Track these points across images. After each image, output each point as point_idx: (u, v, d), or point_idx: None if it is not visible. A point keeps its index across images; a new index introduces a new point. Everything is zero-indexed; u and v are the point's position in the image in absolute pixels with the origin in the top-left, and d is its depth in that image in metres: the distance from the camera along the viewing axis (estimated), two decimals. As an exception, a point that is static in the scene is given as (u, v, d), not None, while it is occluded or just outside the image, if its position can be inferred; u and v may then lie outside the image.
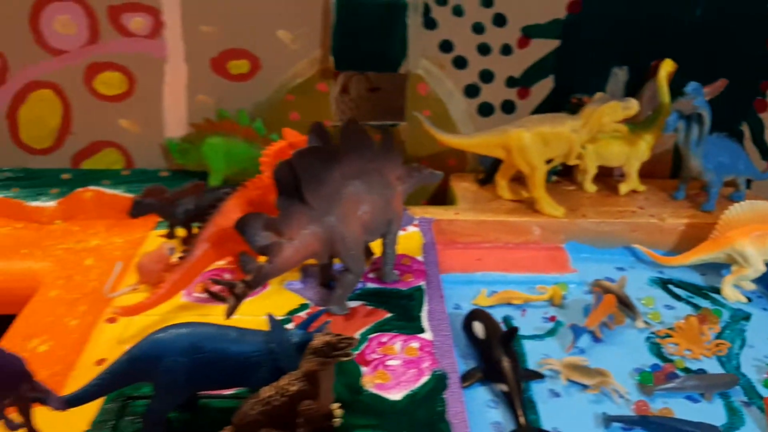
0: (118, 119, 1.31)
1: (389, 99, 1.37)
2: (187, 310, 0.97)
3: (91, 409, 0.77)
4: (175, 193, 1.09)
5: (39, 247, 1.16)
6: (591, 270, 1.17)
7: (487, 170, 1.33)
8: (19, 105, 1.29)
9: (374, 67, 1.25)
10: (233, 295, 0.82)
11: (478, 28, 1.26)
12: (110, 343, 0.89)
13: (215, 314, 0.95)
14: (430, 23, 1.24)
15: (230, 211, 0.96)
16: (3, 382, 0.63)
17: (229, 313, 0.82)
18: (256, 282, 0.84)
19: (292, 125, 1.22)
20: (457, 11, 1.24)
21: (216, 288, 0.84)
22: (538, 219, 1.22)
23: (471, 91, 1.31)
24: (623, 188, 1.31)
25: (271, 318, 0.77)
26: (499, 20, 1.25)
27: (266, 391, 0.70)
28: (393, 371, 0.86)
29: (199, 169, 1.29)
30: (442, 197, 1.33)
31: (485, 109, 1.33)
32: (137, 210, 1.07)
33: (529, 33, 1.27)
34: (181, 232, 1.11)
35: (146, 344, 0.73)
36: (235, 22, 1.24)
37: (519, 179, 1.27)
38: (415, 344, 0.90)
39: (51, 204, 1.24)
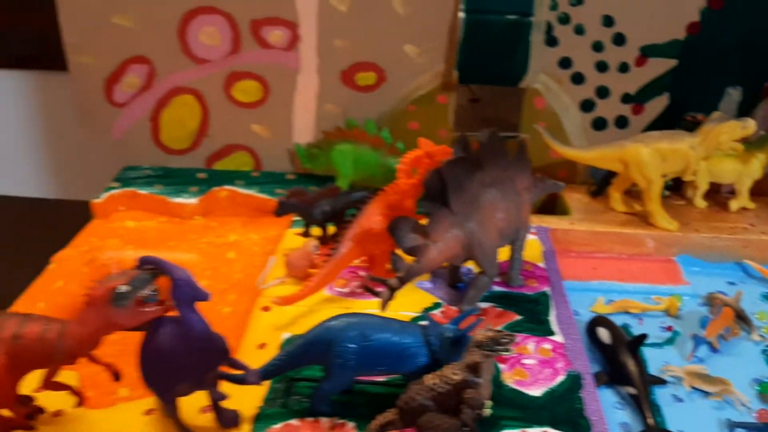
0: (251, 124, 1.41)
1: (491, 110, 1.43)
2: (331, 302, 1.05)
3: (261, 389, 0.85)
4: (313, 196, 1.17)
5: (184, 240, 1.26)
6: (703, 283, 1.21)
7: (598, 183, 1.37)
8: (162, 108, 1.40)
9: (497, 81, 1.31)
10: (388, 288, 0.90)
11: (597, 47, 1.31)
12: (267, 329, 0.97)
13: (355, 307, 1.03)
14: (551, 41, 1.30)
15: (372, 214, 1.04)
16: (212, 358, 0.72)
17: (384, 305, 0.90)
18: (405, 279, 0.92)
19: (411, 134, 1.30)
20: (579, 30, 1.29)
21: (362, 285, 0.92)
22: (652, 232, 1.26)
23: (586, 105, 1.36)
24: (734, 205, 1.34)
25: (427, 315, 0.84)
26: (619, 39, 1.30)
27: (430, 379, 0.77)
28: (530, 369, 0.91)
29: (325, 173, 1.38)
30: (550, 207, 1.38)
31: (599, 124, 1.38)
32: (282, 210, 1.17)
33: (648, 52, 1.31)
34: (315, 231, 1.20)
35: (321, 331, 0.81)
36: (366, 37, 1.32)
37: (630, 192, 1.32)
38: (547, 345, 0.96)
39: (192, 201, 1.34)
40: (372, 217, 1.04)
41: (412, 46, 1.32)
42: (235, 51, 1.34)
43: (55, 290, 1.11)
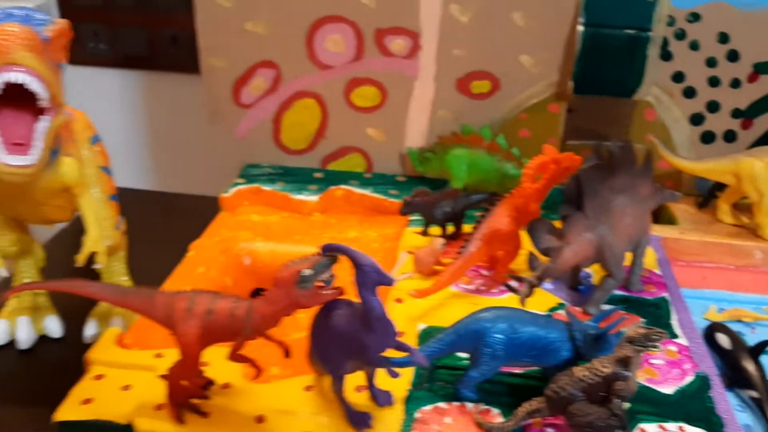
0: (366, 128, 1.48)
1: (587, 120, 1.46)
2: (458, 297, 1.11)
3: (407, 375, 0.92)
4: (435, 197, 1.24)
5: (307, 234, 1.34)
6: (811, 296, 1.24)
7: (704, 195, 1.40)
8: (285, 111, 1.48)
9: (611, 93, 1.36)
10: (527, 285, 0.95)
11: (711, 62, 1.34)
12: (402, 319, 1.03)
13: (481, 303, 1.08)
14: (666, 55, 1.34)
15: (500, 215, 1.10)
16: (386, 340, 0.78)
17: (522, 301, 0.95)
18: (541, 278, 0.97)
19: (521, 141, 1.35)
20: (694, 46, 1.33)
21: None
22: (760, 244, 1.29)
23: (696, 119, 1.40)
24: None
25: (569, 312, 0.89)
26: (733, 56, 1.33)
27: (580, 371, 0.82)
28: (659, 369, 0.96)
29: (437, 176, 1.44)
30: (655, 216, 1.41)
31: (707, 137, 1.41)
32: (407, 208, 1.24)
33: (761, 69, 1.34)
34: (434, 230, 1.26)
35: (472, 321, 0.87)
36: (484, 46, 1.38)
37: (736, 205, 1.35)
38: (672, 347, 1.00)
39: (312, 198, 1.42)
40: (500, 219, 1.09)
41: (528, 57, 1.38)
42: (358, 58, 1.41)
43: (198, 275, 1.20)
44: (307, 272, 0.76)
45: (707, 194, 1.39)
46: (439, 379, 0.92)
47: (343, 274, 0.79)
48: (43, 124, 0.79)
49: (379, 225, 1.38)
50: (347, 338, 0.78)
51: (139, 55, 1.99)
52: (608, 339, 0.87)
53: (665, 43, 1.33)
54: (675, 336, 1.03)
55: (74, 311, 1.23)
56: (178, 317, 0.79)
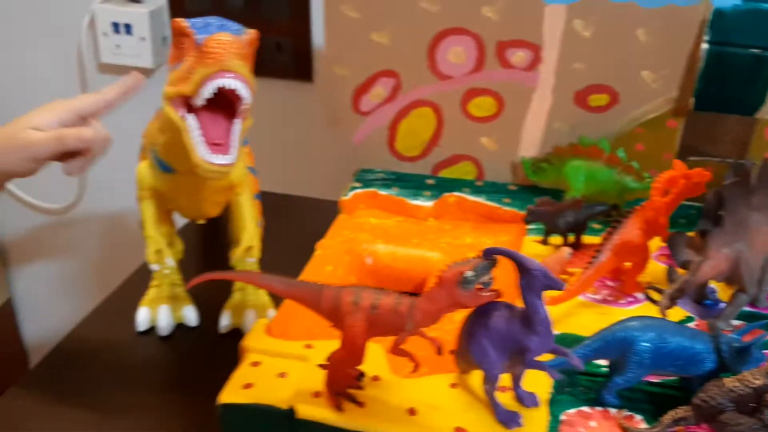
0: (480, 137, 1.52)
1: (704, 137, 1.46)
2: (586, 306, 1.13)
3: (547, 379, 0.94)
4: (559, 206, 1.26)
5: (425, 239, 1.38)
6: None
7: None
8: (402, 119, 1.53)
9: (733, 111, 1.36)
10: (668, 297, 0.98)
11: (838, 81, 1.34)
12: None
13: (609, 313, 1.12)
14: (791, 74, 1.34)
15: (631, 227, 1.12)
16: (546, 343, 0.82)
17: (662, 312, 0.97)
18: (681, 290, 0.99)
19: (636, 155, 1.37)
20: (821, 64, 1.33)
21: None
22: None
23: (817, 138, 1.39)
24: None
25: (713, 323, 0.91)
26: None
27: (730, 382, 0.83)
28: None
29: (551, 186, 1.47)
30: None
31: (828, 157, 1.40)
32: (531, 217, 1.27)
33: None
34: (555, 239, 1.29)
35: (621, 329, 0.90)
36: (605, 61, 1.40)
37: None
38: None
39: (427, 204, 1.47)
40: (631, 230, 1.12)
41: (649, 72, 1.39)
42: (478, 69, 1.45)
43: (327, 273, 1.25)
44: (470, 274, 0.80)
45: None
46: (579, 384, 0.95)
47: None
48: (237, 127, 0.85)
49: (493, 232, 1.41)
50: (507, 340, 0.82)
51: (245, 61, 2.06)
52: (753, 353, 0.88)
53: (791, 61, 1.33)
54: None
55: (207, 303, 1.30)
56: (345, 310, 0.84)
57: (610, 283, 1.19)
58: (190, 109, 0.85)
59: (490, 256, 0.82)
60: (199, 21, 0.87)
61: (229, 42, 0.79)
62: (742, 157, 1.42)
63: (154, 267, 1.06)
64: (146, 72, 2.15)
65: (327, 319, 0.88)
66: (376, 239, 1.37)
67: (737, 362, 0.88)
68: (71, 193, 2.43)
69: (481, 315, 0.84)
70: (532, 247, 1.29)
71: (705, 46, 1.32)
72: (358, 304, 0.84)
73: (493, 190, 1.51)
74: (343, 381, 0.89)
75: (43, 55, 2.22)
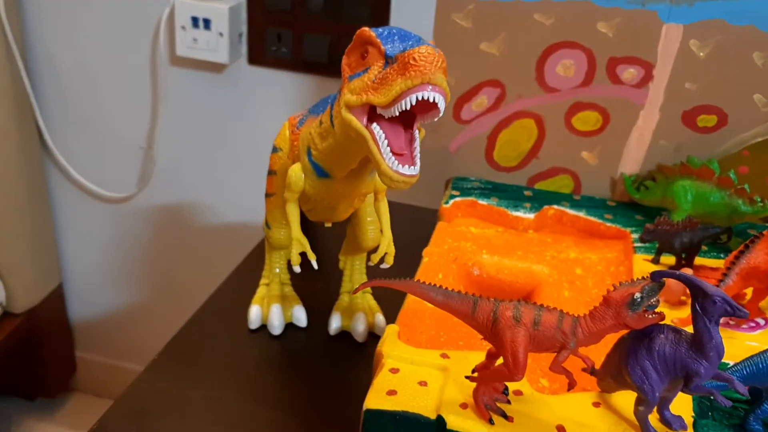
0: (581, 151, 1.52)
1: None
2: (709, 330, 1.13)
3: (689, 403, 0.94)
4: (677, 226, 1.26)
5: (529, 251, 1.38)
6: None
7: None
8: (503, 129, 1.53)
9: None
10: None
11: None
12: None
13: (734, 337, 1.11)
14: None
15: (758, 252, 1.12)
16: (712, 368, 0.82)
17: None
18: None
19: (740, 178, 1.36)
20: None
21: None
22: None
23: None
24: None
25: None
26: None
27: None
28: None
29: (654, 205, 1.46)
30: None
31: None
32: (649, 236, 1.26)
33: None
34: (667, 259, 1.29)
35: (771, 356, 0.90)
36: (718, 82, 1.39)
37: None
38: None
39: (529, 216, 1.46)
40: (759, 256, 1.11)
41: (761, 96, 1.39)
42: (586, 84, 1.45)
43: (438, 281, 1.25)
44: (638, 296, 0.80)
45: None
46: (721, 409, 0.95)
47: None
48: (417, 136, 0.85)
49: (597, 248, 1.41)
50: (673, 364, 0.82)
51: (320, 62, 2.08)
52: None
53: None
54: None
55: (314, 304, 1.31)
56: (506, 324, 0.84)
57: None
58: (371, 118, 0.86)
59: (659, 278, 0.82)
60: (382, 31, 0.87)
61: (433, 55, 0.79)
62: None
63: (296, 269, 1.06)
64: (220, 67, 2.17)
65: (480, 332, 0.88)
66: (480, 249, 1.37)
67: None
68: (132, 184, 2.46)
69: (643, 337, 0.84)
70: (644, 266, 1.29)
71: (825, 72, 1.32)
72: (519, 319, 0.84)
73: (593, 205, 1.51)
74: (492, 394, 0.90)
75: (118, 42, 2.24)
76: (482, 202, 1.49)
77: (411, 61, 0.78)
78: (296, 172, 1.01)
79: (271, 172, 1.17)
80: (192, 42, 2.16)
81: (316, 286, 1.35)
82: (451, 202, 1.48)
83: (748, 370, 0.90)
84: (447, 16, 1.46)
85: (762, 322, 1.15)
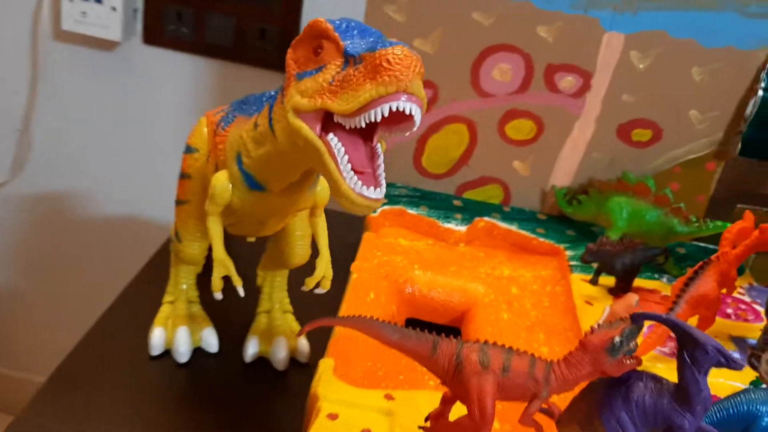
0: (513, 161, 1.44)
1: (739, 181, 1.46)
2: (658, 360, 1.07)
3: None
4: (618, 247, 1.20)
5: (462, 267, 1.29)
6: None
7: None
8: (433, 133, 1.43)
9: (777, 159, 1.35)
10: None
11: None
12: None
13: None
14: (835, 127, 1.34)
15: (706, 279, 1.07)
16: (699, 418, 0.74)
17: (765, 378, 0.93)
18: (776, 349, 0.95)
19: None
20: None
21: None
22: None
23: None
24: None
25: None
26: None
27: None
28: None
29: (587, 220, 1.41)
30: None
31: None
32: (591, 257, 1.20)
33: None
34: (605, 280, 1.23)
35: (745, 402, 0.84)
36: (655, 96, 1.35)
37: None
38: None
39: (460, 228, 1.37)
40: (708, 283, 1.07)
41: (697, 112, 1.36)
42: (522, 90, 1.37)
43: (370, 302, 1.13)
44: (618, 340, 0.72)
45: None
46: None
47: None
48: (380, 151, 0.72)
49: (530, 265, 1.33)
50: (653, 416, 0.74)
51: (224, 45, 1.91)
52: None
53: (837, 114, 1.33)
54: None
55: (227, 325, 1.16)
56: (471, 370, 0.74)
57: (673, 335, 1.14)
58: (326, 127, 0.72)
59: (640, 321, 0.74)
60: (340, 23, 0.73)
61: (411, 58, 0.66)
62: (772, 204, 1.42)
63: (218, 296, 0.90)
64: (112, 45, 1.95)
65: (439, 376, 0.77)
66: (411, 264, 1.26)
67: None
68: (5, 170, 2.17)
69: (620, 385, 0.76)
70: (583, 287, 1.23)
71: (760, 93, 1.30)
72: (487, 364, 0.73)
73: (524, 218, 1.44)
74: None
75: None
76: (411, 211, 1.38)
77: (384, 64, 0.65)
78: (222, 182, 0.85)
79: (184, 176, 1.00)
80: (80, 15, 1.91)
81: (230, 305, 1.18)
82: (379, 210, 1.36)
83: (718, 416, 0.84)
84: (379, 7, 1.33)
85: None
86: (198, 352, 1.11)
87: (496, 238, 1.40)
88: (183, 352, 1.07)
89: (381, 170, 0.72)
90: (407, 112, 0.67)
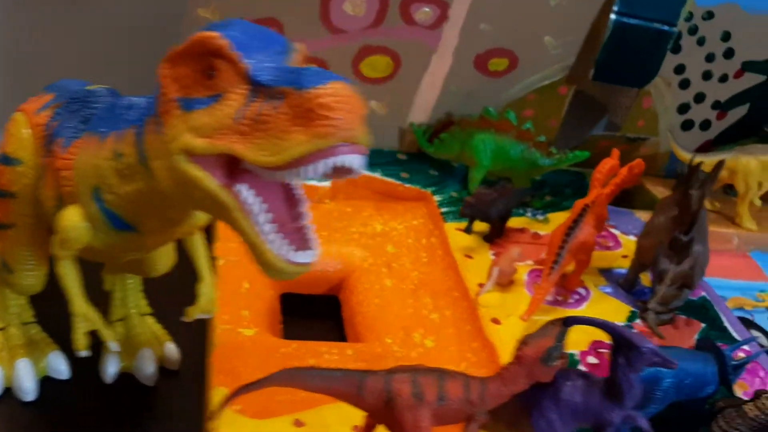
0: (370, 100, 1.33)
1: (591, 105, 1.48)
2: (543, 312, 1.07)
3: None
4: (493, 195, 1.16)
5: (331, 229, 1.19)
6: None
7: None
8: (280, 76, 1.27)
9: (628, 82, 1.37)
10: (654, 313, 0.95)
11: (709, 58, 1.40)
12: (510, 343, 0.97)
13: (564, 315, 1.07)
14: (676, 48, 1.37)
15: (585, 227, 1.07)
16: (633, 414, 0.73)
17: (655, 331, 0.95)
18: (664, 303, 0.97)
19: (525, 121, 1.32)
20: (700, 41, 1.38)
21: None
22: (738, 231, 1.43)
23: (683, 108, 1.47)
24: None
25: (709, 340, 0.91)
26: (729, 53, 1.41)
27: (752, 411, 0.85)
28: (743, 379, 1.03)
29: (450, 159, 1.35)
30: (628, 200, 1.47)
31: (687, 125, 1.50)
32: (469, 210, 1.15)
33: (747, 67, 1.44)
34: (479, 226, 1.20)
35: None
36: (512, 24, 1.29)
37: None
38: (741, 354, 1.08)
39: (325, 184, 1.25)
40: (587, 230, 1.07)
41: (552, 38, 1.32)
42: (377, 24, 1.25)
43: (246, 293, 1.01)
44: (553, 347, 0.68)
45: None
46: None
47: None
48: (305, 199, 0.58)
49: (399, 215, 1.27)
50: (583, 413, 0.72)
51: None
52: (743, 370, 0.91)
53: (679, 36, 1.36)
54: (735, 341, 1.10)
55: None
56: (404, 405, 0.66)
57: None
58: (233, 173, 0.56)
59: (571, 325, 0.70)
60: (232, 32, 0.55)
61: (353, 100, 0.51)
62: (619, 126, 1.46)
63: (83, 353, 0.73)
64: None
65: (369, 413, 0.69)
66: (278, 235, 1.13)
67: (734, 379, 0.90)
68: None
69: (548, 385, 0.73)
70: (460, 238, 1.18)
71: (612, 16, 1.28)
72: (421, 397, 0.66)
73: (385, 161, 1.35)
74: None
75: None
76: (266, 169, 1.24)
77: (320, 111, 0.50)
78: (75, 223, 0.66)
79: (3, 194, 0.78)
80: None
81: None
82: (230, 173, 1.20)
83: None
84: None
85: (584, 292, 1.13)
86: (47, 382, 0.93)
87: (361, 187, 1.31)
88: (27, 389, 0.89)
89: (306, 220, 0.58)
90: (352, 167, 0.53)
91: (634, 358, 0.69)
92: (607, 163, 1.13)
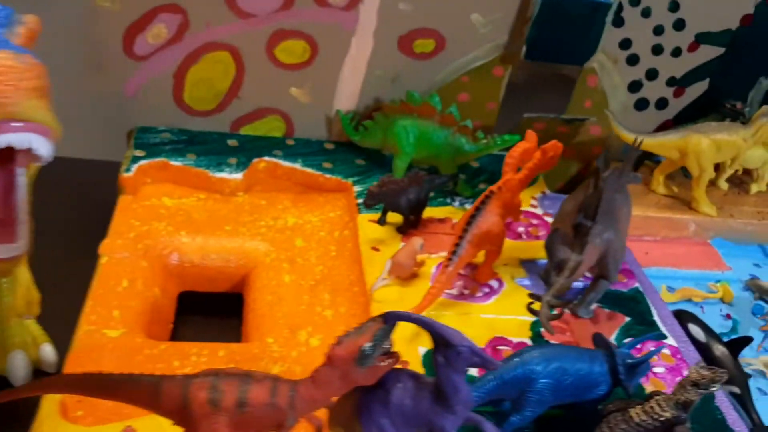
0: (290, 87, 1.28)
1: (530, 86, 1.39)
2: (446, 306, 1.00)
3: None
4: (402, 184, 1.09)
5: (239, 223, 1.13)
6: (739, 267, 1.29)
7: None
8: (191, 65, 1.22)
9: (564, 60, 1.28)
10: (547, 305, 0.87)
11: (658, 30, 1.30)
12: (400, 343, 0.90)
13: (472, 312, 1.00)
14: (618, 21, 1.27)
15: (490, 214, 0.99)
16: (462, 416, 0.66)
17: (546, 325, 0.86)
18: (558, 295, 0.89)
19: (460, 105, 1.24)
20: (645, 13, 1.28)
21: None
22: (695, 216, 1.32)
23: (634, 86, 1.37)
24: (754, 188, 1.43)
25: (601, 337, 0.83)
26: (679, 25, 1.30)
27: (637, 414, 0.76)
28: (663, 379, 0.94)
29: (376, 147, 1.28)
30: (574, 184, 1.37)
31: (641, 104, 1.40)
32: (373, 200, 1.08)
33: (701, 39, 1.33)
34: (393, 217, 1.13)
35: (519, 365, 0.77)
36: (433, 2, 1.22)
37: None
38: (667, 351, 0.99)
39: (236, 176, 1.20)
40: (491, 218, 0.99)
41: (479, 16, 1.24)
42: (287, 7, 1.19)
43: (124, 292, 0.96)
44: (368, 347, 0.62)
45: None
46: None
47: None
48: (21, 187, 0.53)
49: (318, 207, 1.21)
50: (414, 418, 0.65)
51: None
52: (644, 367, 0.83)
53: (620, 8, 1.26)
54: (664, 336, 1.01)
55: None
56: (200, 413, 0.61)
57: (461, 272, 1.06)
58: None
59: (392, 321, 0.63)
60: None
61: (14, 69, 0.46)
62: (564, 108, 1.37)
63: None
64: None
65: (174, 422, 0.64)
66: (178, 229, 1.09)
67: (630, 379, 0.82)
68: None
69: (378, 388, 0.66)
70: (372, 230, 1.12)
71: (541, -10, 1.20)
72: (218, 403, 0.61)
73: (310, 151, 1.29)
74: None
75: None
76: (176, 162, 1.19)
77: None
78: None
79: None
80: None
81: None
82: (135, 167, 1.16)
83: (492, 384, 0.78)
84: None
85: (495, 284, 1.05)
86: None
87: (280, 178, 1.25)
88: None
89: (19, 215, 0.53)
90: (26, 146, 0.47)
91: (453, 358, 0.62)
92: (520, 147, 1.05)
